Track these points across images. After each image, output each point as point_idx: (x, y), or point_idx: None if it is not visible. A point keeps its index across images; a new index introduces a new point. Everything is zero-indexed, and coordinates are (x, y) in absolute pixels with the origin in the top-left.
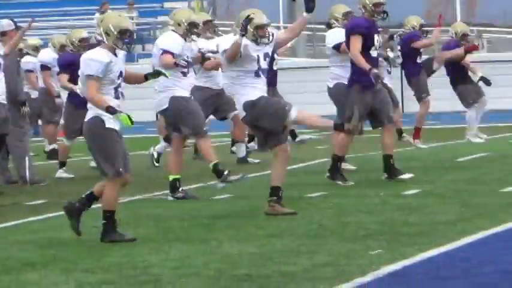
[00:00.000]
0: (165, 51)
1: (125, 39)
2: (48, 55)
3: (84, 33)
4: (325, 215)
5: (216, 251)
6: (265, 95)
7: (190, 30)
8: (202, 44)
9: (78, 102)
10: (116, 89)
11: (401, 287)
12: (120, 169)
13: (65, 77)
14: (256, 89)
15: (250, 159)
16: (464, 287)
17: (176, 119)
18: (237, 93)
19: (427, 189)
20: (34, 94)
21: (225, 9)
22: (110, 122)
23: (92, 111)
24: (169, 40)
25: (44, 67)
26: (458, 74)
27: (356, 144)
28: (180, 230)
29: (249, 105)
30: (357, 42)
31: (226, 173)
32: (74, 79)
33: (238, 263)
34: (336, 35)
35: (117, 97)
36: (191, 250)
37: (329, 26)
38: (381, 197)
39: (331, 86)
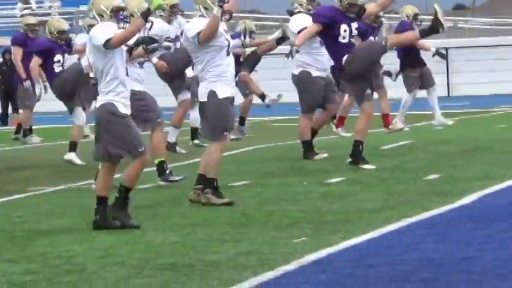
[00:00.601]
0: None
1: (120, 16)
2: None
3: (65, 26)
4: (249, 203)
5: (139, 241)
6: (233, 94)
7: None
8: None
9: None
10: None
11: (326, 275)
12: (141, 149)
13: (38, 60)
14: (228, 85)
15: (178, 149)
16: (389, 274)
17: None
18: (209, 80)
19: (351, 177)
20: None
21: None
22: (122, 107)
23: (102, 98)
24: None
25: None
26: (409, 58)
27: (279, 133)
28: None
29: (215, 97)
30: (312, 28)
31: (168, 172)
32: (45, 65)
33: (162, 252)
34: (299, 22)
35: (127, 73)
36: (115, 240)
37: (290, 13)
38: (304, 186)
39: (296, 73)
